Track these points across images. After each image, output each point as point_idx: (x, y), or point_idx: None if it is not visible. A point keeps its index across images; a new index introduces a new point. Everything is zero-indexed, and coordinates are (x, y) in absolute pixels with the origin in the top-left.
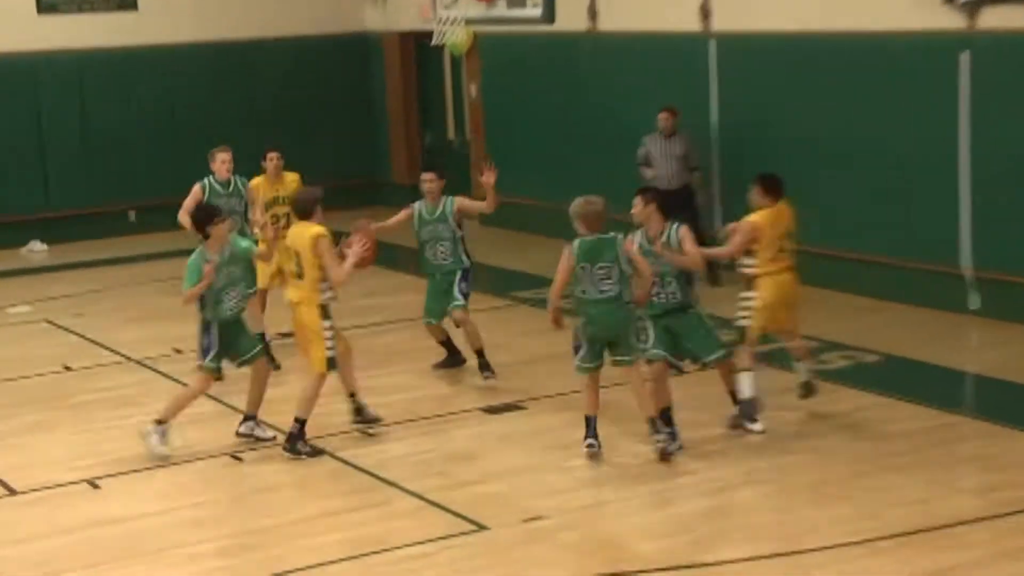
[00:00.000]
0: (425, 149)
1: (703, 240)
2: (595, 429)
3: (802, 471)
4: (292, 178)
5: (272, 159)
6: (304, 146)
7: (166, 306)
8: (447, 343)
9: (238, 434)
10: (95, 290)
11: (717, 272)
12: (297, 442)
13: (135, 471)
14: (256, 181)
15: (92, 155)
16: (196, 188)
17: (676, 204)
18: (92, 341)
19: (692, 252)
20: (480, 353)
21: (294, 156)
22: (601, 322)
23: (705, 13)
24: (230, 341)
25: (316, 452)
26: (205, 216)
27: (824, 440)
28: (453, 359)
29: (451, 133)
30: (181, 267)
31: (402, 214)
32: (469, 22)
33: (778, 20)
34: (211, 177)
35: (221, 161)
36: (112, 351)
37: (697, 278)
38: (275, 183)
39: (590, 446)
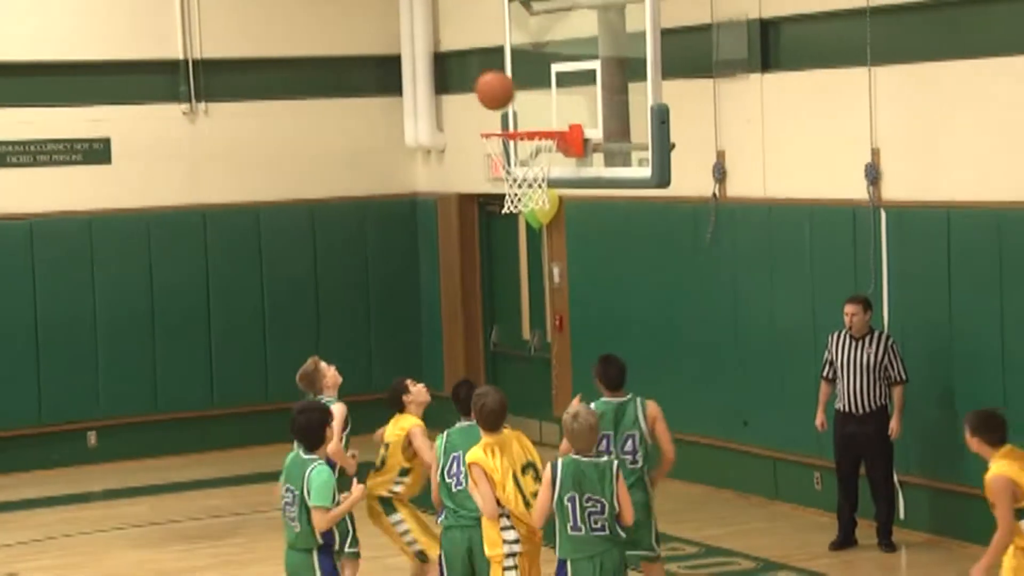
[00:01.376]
0: (490, 351)
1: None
2: None
3: None
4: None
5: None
6: (326, 347)
7: (137, 563)
8: None
9: None
10: (36, 539)
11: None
12: None
13: None
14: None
15: (41, 356)
16: (339, 409)
17: (864, 436)
18: None
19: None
20: None
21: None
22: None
23: (872, 177)
24: None
25: None
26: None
27: None
28: None
29: (526, 331)
30: (155, 508)
31: None
32: (552, 184)
33: (972, 189)
34: (325, 399)
35: (332, 368)
36: None
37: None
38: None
39: None
